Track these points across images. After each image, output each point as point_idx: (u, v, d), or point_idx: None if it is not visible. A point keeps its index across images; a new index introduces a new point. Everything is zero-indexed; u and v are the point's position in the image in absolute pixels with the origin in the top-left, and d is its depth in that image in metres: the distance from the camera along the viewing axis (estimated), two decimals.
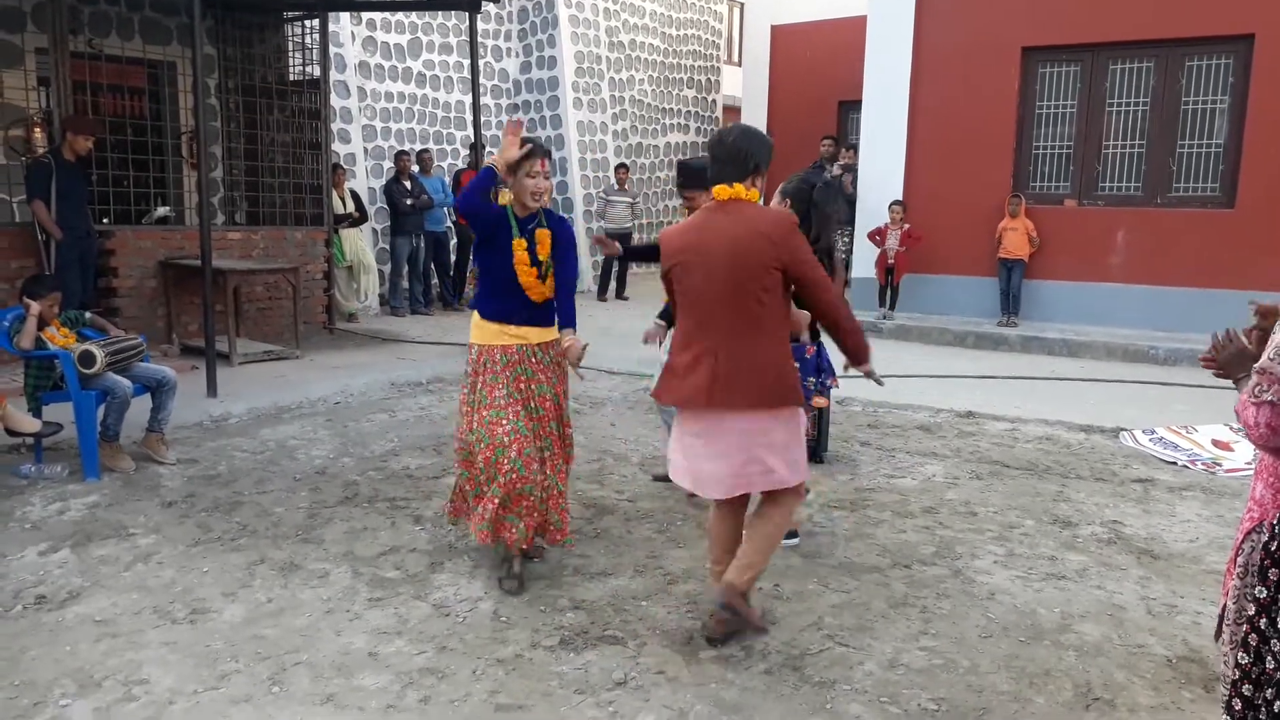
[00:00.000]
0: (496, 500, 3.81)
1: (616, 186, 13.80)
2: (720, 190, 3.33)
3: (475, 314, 4.05)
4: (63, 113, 7.96)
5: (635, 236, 14.44)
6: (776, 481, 3.36)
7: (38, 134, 8.58)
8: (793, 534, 4.36)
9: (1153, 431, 6.46)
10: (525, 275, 3.91)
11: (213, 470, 5.41)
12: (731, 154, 3.32)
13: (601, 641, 3.45)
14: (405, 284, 11.83)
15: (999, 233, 10.55)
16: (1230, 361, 2.52)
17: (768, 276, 3.23)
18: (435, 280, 12.42)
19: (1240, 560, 2.47)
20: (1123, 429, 6.57)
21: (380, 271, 11.97)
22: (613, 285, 13.77)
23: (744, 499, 3.55)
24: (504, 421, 3.85)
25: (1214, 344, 2.55)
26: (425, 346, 9.57)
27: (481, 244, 3.98)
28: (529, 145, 3.88)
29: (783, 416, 3.34)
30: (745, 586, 3.41)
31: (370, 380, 7.74)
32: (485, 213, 3.91)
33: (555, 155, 14.71)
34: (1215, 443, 6.19)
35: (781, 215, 3.39)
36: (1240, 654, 2.40)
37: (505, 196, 3.98)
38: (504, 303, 3.95)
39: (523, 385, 3.96)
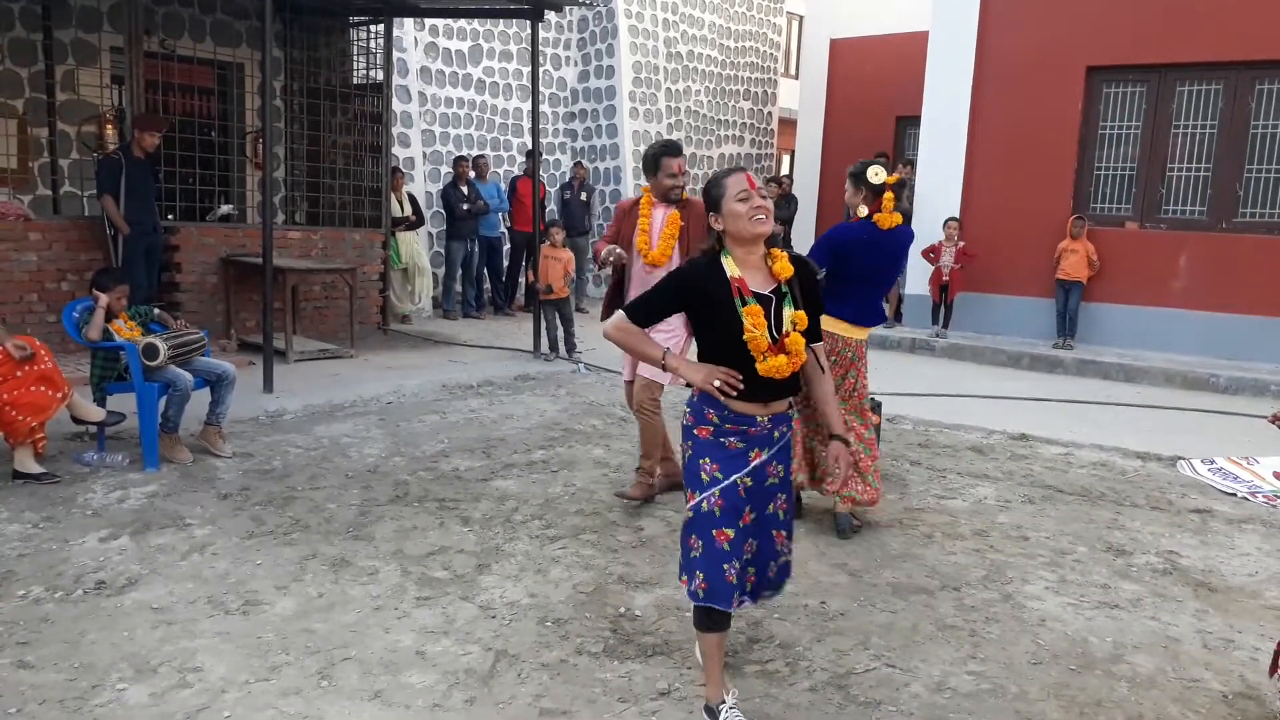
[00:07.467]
0: None
1: None
2: None
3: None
4: (134, 110, 8.17)
5: None
6: None
7: (109, 130, 8.82)
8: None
9: (1212, 461, 6.32)
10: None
11: (267, 465, 5.51)
12: None
13: (646, 651, 3.45)
14: (458, 287, 11.97)
15: (1058, 253, 10.39)
16: None
17: None
18: (488, 284, 12.53)
19: None
20: (1180, 457, 6.43)
21: (434, 274, 12.10)
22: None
23: None
24: None
25: None
26: (476, 350, 9.66)
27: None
28: None
29: None
30: None
31: (422, 381, 7.83)
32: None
33: (610, 165, 14.79)
34: (1278, 475, 6.04)
35: None
36: None
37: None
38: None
39: None
